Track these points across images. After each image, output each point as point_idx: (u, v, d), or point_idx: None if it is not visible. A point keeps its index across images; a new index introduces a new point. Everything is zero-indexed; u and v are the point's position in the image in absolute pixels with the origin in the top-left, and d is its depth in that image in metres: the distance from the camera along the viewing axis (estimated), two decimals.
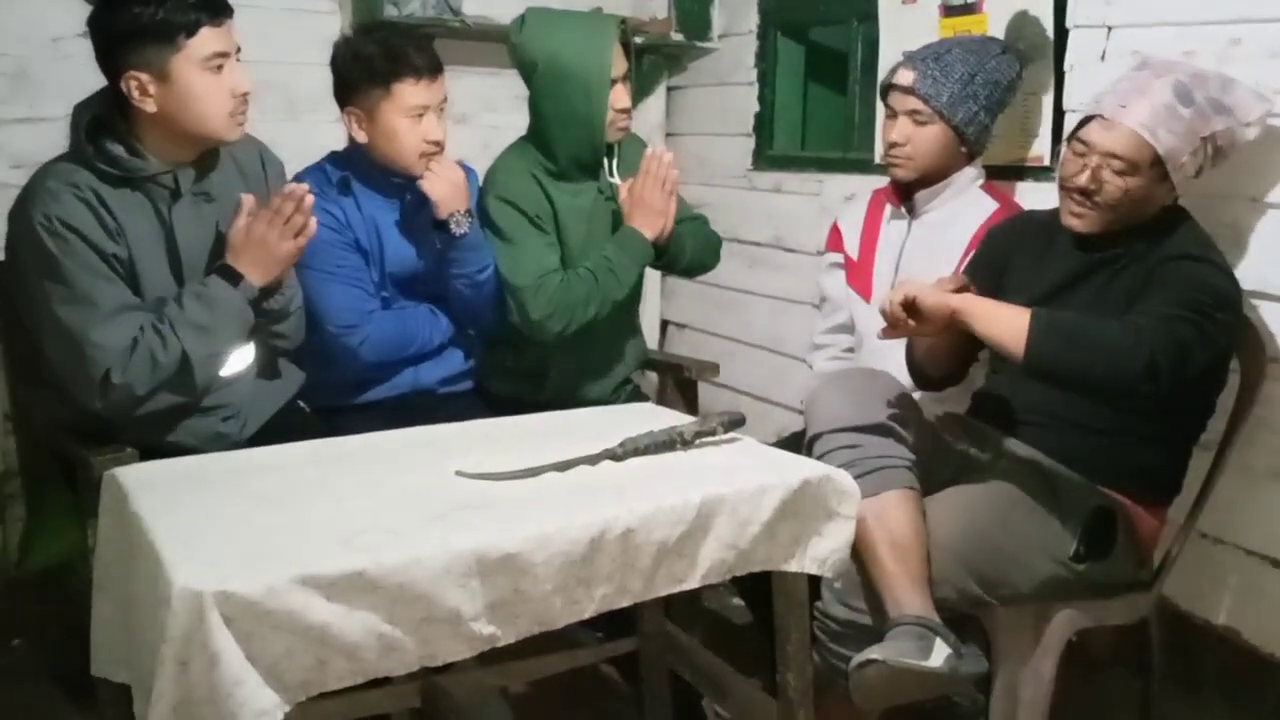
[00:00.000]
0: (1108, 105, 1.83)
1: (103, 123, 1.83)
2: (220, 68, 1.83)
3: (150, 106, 1.81)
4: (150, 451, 1.81)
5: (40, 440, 2.07)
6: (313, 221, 1.92)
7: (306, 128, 2.37)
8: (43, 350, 1.86)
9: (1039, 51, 2.39)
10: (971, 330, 1.76)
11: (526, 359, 2.37)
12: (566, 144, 2.30)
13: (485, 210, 2.29)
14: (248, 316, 1.92)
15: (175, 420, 1.93)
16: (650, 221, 2.28)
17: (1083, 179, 1.83)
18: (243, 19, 2.33)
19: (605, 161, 2.37)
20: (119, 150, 1.82)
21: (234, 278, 1.89)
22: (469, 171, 2.38)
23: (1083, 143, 1.84)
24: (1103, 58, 2.29)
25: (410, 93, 2.14)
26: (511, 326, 2.30)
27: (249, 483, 1.54)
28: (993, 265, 2.04)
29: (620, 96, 2.30)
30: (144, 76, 1.79)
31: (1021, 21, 2.43)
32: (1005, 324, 1.73)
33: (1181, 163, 1.80)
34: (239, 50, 1.88)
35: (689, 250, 2.44)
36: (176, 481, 1.53)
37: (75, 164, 1.82)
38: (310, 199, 1.91)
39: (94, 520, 1.58)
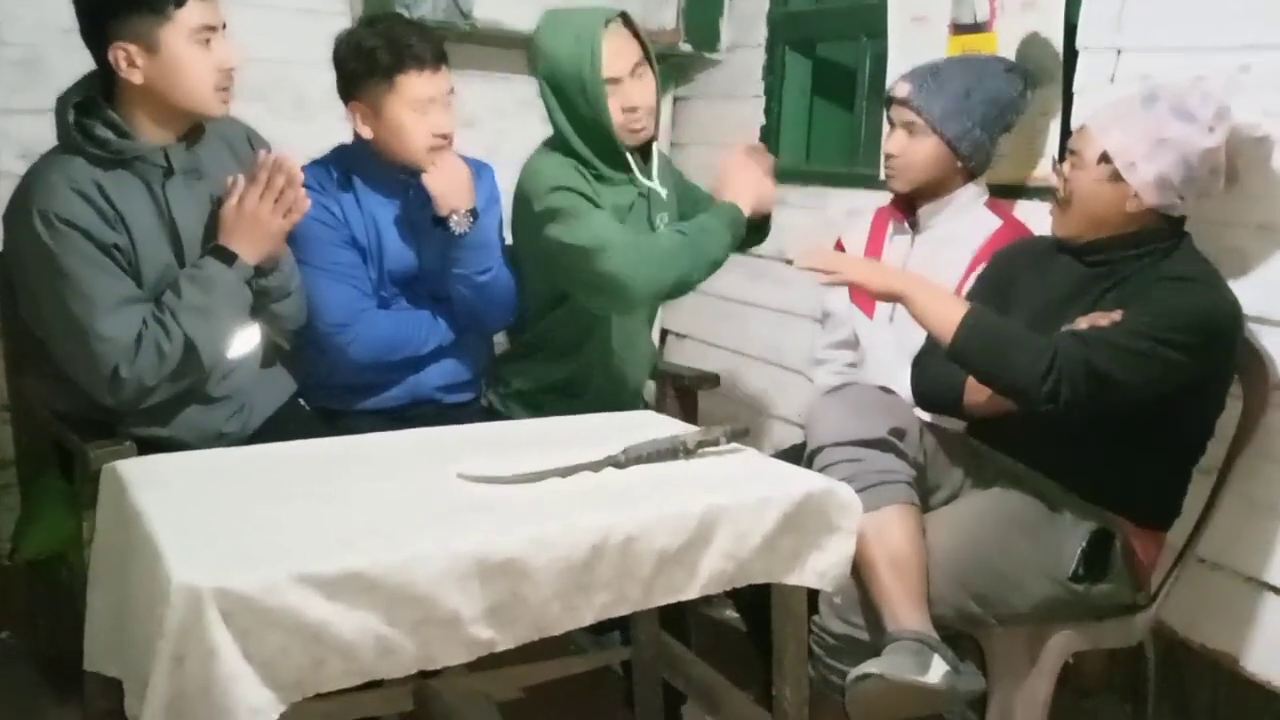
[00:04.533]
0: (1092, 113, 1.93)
1: (87, 107, 1.83)
2: (208, 41, 1.83)
3: (137, 78, 1.81)
4: (149, 447, 1.81)
5: (38, 430, 2.06)
6: (304, 198, 1.92)
7: (316, 127, 2.34)
8: (49, 345, 1.86)
9: (1048, 73, 2.39)
10: (909, 311, 1.85)
11: (560, 376, 2.30)
12: (588, 148, 2.20)
13: (537, 210, 2.15)
14: (245, 295, 1.92)
15: (178, 411, 1.92)
16: (742, 195, 2.19)
17: (1054, 180, 1.94)
18: (253, 19, 2.34)
19: (632, 162, 2.25)
20: (106, 132, 1.82)
21: (228, 257, 1.88)
22: (485, 167, 2.36)
23: (1064, 154, 1.96)
24: (1112, 80, 2.29)
25: (415, 84, 2.10)
26: (531, 342, 2.26)
27: (249, 479, 1.54)
28: (998, 285, 2.04)
29: (628, 95, 2.17)
30: (132, 48, 1.79)
31: (1031, 42, 2.43)
32: (940, 314, 1.82)
33: (1132, 161, 1.81)
34: (225, 26, 1.87)
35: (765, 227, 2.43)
36: (176, 476, 1.52)
37: (67, 153, 1.82)
38: (299, 172, 1.91)
39: (90, 512, 1.57)
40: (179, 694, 1.17)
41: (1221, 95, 1.87)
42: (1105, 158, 1.84)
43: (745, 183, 2.21)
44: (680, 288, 2.13)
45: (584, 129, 2.19)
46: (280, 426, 2.04)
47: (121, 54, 1.79)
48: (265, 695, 1.20)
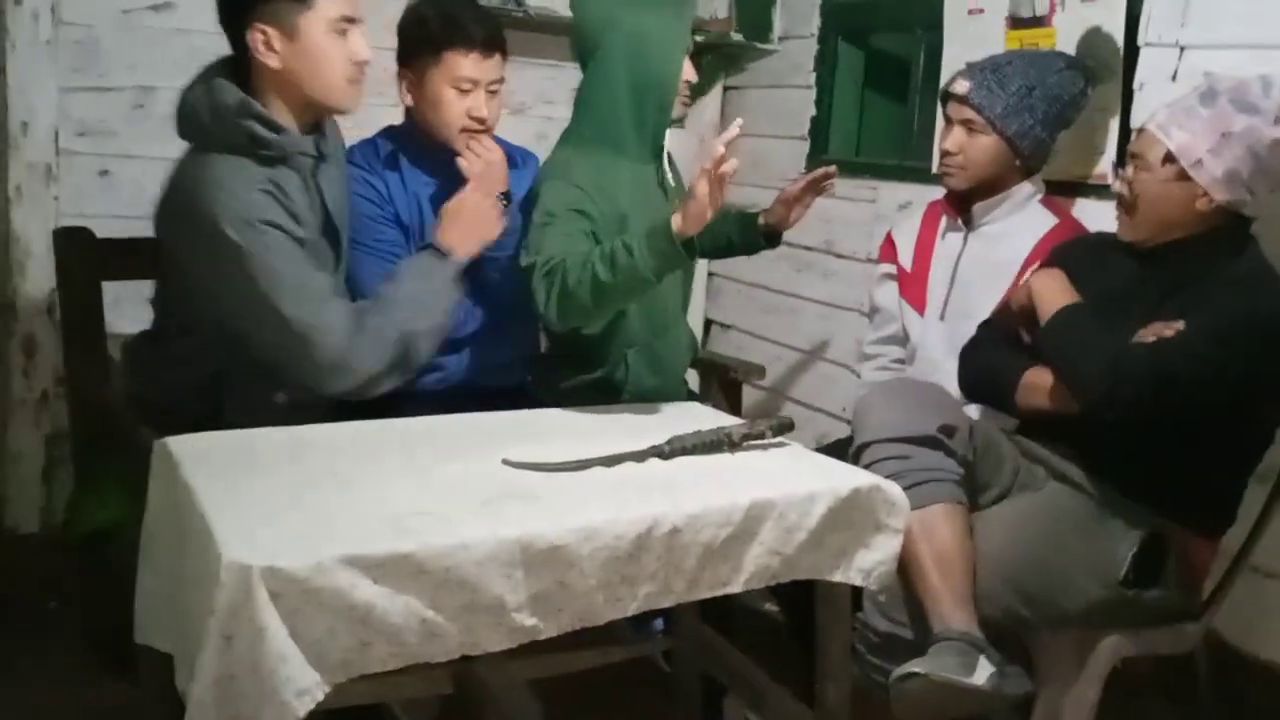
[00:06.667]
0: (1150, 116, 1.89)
1: (237, 107, 1.81)
2: (345, 33, 1.85)
3: (274, 63, 1.82)
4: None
5: (91, 407, 2.09)
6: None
7: (373, 110, 2.34)
8: (250, 344, 1.84)
9: (1108, 69, 2.35)
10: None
11: (601, 376, 2.23)
12: (636, 116, 2.11)
13: (538, 193, 2.10)
14: (456, 289, 1.98)
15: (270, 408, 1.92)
16: (685, 217, 1.75)
17: (1116, 185, 1.92)
18: None
19: (669, 140, 2.22)
20: (265, 131, 1.82)
21: (442, 253, 1.95)
22: (529, 156, 2.35)
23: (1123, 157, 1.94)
24: (1174, 78, 2.25)
25: (459, 64, 2.10)
26: (574, 346, 2.22)
27: (298, 459, 1.55)
28: None
29: (688, 69, 2.21)
30: (271, 31, 1.81)
31: (1092, 37, 2.39)
32: (1049, 302, 1.89)
33: (1198, 159, 1.77)
34: (363, 23, 1.89)
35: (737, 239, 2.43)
36: (227, 454, 1.54)
37: (232, 155, 1.81)
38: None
39: (143, 488, 1.59)
40: (227, 672, 1.18)
41: None
42: (1169, 158, 1.80)
43: (686, 201, 1.77)
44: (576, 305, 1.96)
45: (644, 93, 2.10)
46: (332, 407, 2.05)
47: (260, 36, 1.81)
48: (311, 676, 1.22)
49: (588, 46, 2.14)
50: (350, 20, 1.86)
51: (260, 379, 1.90)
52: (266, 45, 1.82)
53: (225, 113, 1.81)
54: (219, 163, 1.81)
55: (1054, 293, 1.90)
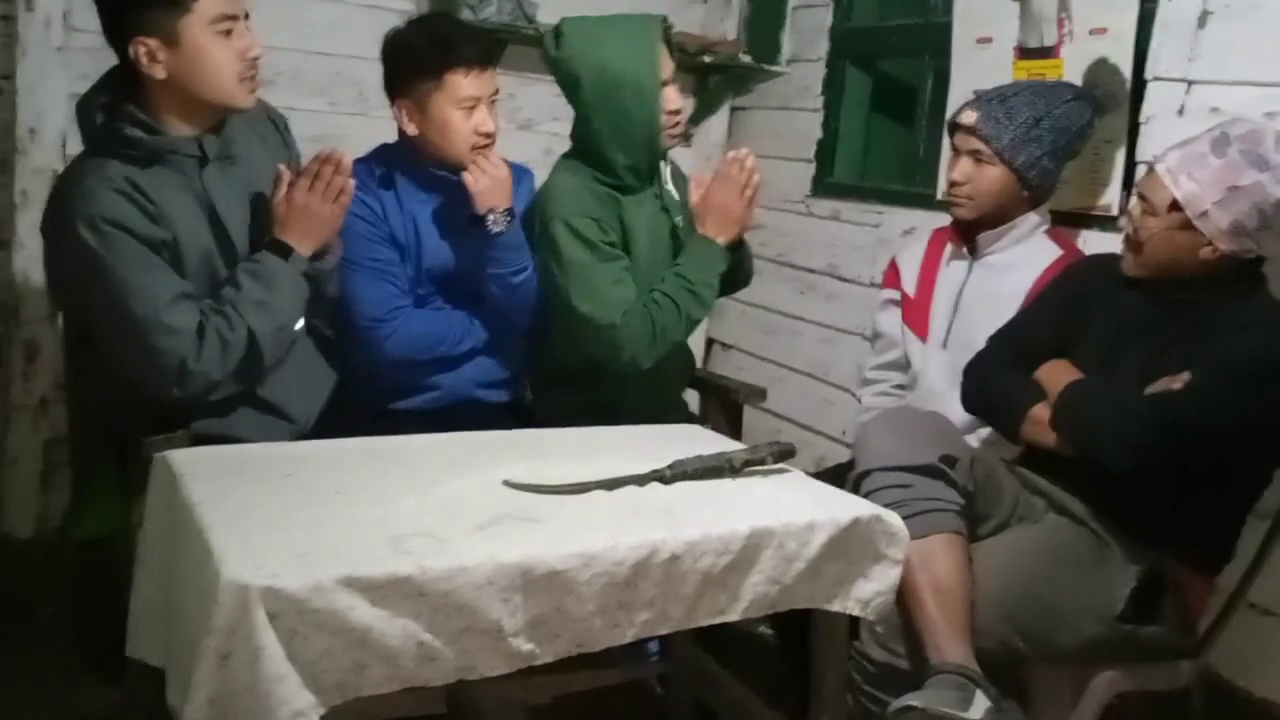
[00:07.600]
0: (1160, 155, 1.88)
1: (113, 108, 1.82)
2: (229, 32, 1.82)
3: (160, 73, 1.79)
4: (204, 441, 1.81)
5: (90, 414, 2.08)
6: (350, 182, 1.92)
7: (377, 122, 2.37)
8: (107, 348, 1.85)
9: (1115, 100, 2.35)
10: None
11: (600, 394, 2.29)
12: (624, 154, 2.22)
13: (550, 238, 2.18)
14: (303, 287, 1.93)
15: (236, 408, 1.93)
16: (724, 228, 2.20)
17: (1122, 223, 1.93)
18: (320, 14, 2.34)
19: (661, 169, 2.30)
20: (136, 131, 1.80)
21: (284, 250, 1.90)
22: (525, 172, 2.36)
23: (1135, 193, 1.93)
24: (1181, 112, 2.25)
25: (462, 84, 2.11)
26: (575, 366, 2.25)
27: (299, 476, 1.55)
28: (1072, 301, 2.02)
29: (671, 98, 2.23)
30: (152, 42, 1.77)
31: (1099, 69, 2.39)
32: (1054, 381, 1.92)
33: (1204, 210, 1.77)
34: (247, 16, 1.86)
35: (745, 266, 2.40)
36: (227, 469, 1.53)
37: (100, 156, 1.80)
38: (348, 160, 1.91)
39: (140, 499, 1.58)
40: (223, 691, 1.18)
41: None
42: (1175, 205, 1.80)
43: (725, 220, 2.21)
44: (671, 346, 2.23)
45: (626, 133, 2.20)
46: (331, 422, 2.04)
47: (142, 49, 1.77)
48: (307, 698, 1.21)
49: (567, 95, 2.25)
50: (232, 17, 1.81)
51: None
52: (150, 57, 1.78)
53: (96, 115, 1.80)
54: (84, 163, 1.81)
55: (1058, 378, 1.91)
